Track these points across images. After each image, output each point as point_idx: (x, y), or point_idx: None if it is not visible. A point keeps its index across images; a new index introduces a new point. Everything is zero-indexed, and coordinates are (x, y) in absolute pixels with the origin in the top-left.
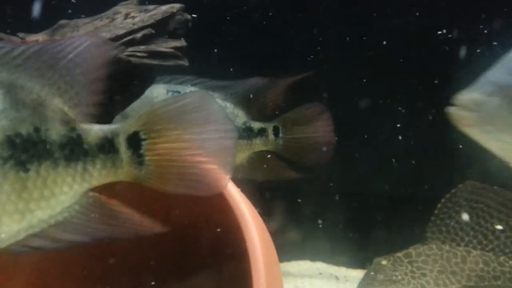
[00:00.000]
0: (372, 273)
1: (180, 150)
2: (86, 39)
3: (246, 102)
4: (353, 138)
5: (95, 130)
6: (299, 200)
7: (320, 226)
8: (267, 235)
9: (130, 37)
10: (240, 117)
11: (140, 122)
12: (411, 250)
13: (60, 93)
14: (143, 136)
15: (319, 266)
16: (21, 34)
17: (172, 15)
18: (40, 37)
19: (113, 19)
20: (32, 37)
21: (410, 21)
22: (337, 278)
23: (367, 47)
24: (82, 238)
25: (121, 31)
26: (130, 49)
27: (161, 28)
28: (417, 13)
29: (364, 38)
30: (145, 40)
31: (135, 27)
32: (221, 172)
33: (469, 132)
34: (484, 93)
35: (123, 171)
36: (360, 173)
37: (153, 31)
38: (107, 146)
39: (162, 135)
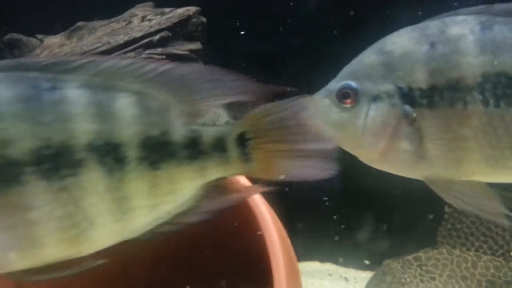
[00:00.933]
0: (380, 274)
1: (282, 147)
2: (207, 69)
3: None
4: None
5: (209, 131)
6: (307, 200)
7: (330, 227)
8: (288, 243)
9: (148, 39)
10: (223, 117)
11: (246, 123)
12: (421, 253)
13: (182, 101)
14: (249, 136)
15: (328, 267)
16: (39, 36)
17: (188, 18)
18: (58, 38)
19: (129, 22)
20: (50, 39)
21: None
22: (346, 279)
23: None
24: (199, 218)
25: (139, 34)
26: (147, 51)
27: (177, 31)
28: None
29: None
30: (162, 42)
31: (152, 29)
32: (320, 163)
33: None
34: (320, 95)
35: (233, 166)
36: (370, 174)
37: (170, 34)
38: (220, 145)
39: (265, 134)
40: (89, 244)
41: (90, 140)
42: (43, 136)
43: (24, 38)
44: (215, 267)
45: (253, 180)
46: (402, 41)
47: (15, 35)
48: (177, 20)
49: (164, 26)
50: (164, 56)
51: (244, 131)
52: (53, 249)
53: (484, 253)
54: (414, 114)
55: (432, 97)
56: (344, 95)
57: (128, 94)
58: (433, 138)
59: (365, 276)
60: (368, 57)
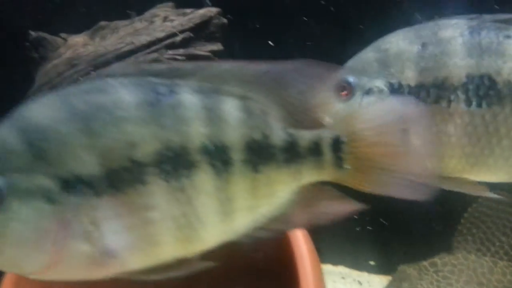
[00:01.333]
0: (397, 280)
1: (379, 154)
2: (304, 63)
3: None
4: None
5: (305, 135)
6: None
7: (343, 229)
8: (312, 246)
9: (170, 40)
10: None
11: (342, 127)
12: (436, 259)
13: (280, 105)
14: (343, 140)
15: (341, 270)
16: (63, 35)
17: (210, 19)
18: (82, 38)
19: (151, 22)
20: (73, 38)
21: None
22: (360, 283)
23: None
24: (290, 227)
25: (161, 34)
26: (170, 52)
27: (199, 32)
28: None
29: None
30: (184, 43)
31: (175, 30)
32: (422, 179)
33: None
34: None
35: (326, 172)
36: None
37: (192, 35)
38: (315, 149)
39: (361, 139)
40: (199, 244)
41: (203, 142)
42: (163, 139)
43: (49, 37)
44: (238, 273)
45: (344, 189)
46: (397, 41)
47: (40, 34)
48: (198, 21)
49: (186, 27)
50: (185, 57)
51: (339, 134)
52: (168, 248)
53: (501, 258)
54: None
55: (419, 94)
56: (341, 88)
57: (233, 98)
58: (417, 132)
59: (379, 280)
60: (367, 53)
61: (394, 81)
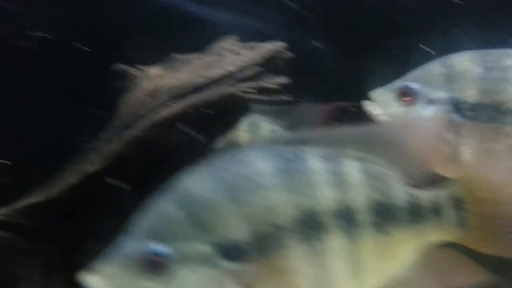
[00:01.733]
0: None
1: (504, 214)
2: (414, 124)
3: (293, 127)
4: None
5: (426, 195)
6: None
7: None
8: None
9: (241, 73)
10: (263, 127)
11: (461, 188)
12: None
13: (398, 165)
14: (464, 199)
15: None
16: (139, 66)
17: (278, 53)
18: (156, 69)
19: (221, 55)
20: (148, 70)
21: None
22: None
23: None
24: None
25: (233, 68)
26: (240, 85)
27: (266, 65)
28: None
29: None
30: (254, 76)
31: (245, 64)
32: None
33: None
34: (386, 89)
35: (447, 231)
36: None
37: (262, 69)
38: (436, 209)
39: (481, 201)
40: None
41: (332, 206)
42: (298, 204)
43: (128, 68)
44: None
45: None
46: (464, 60)
47: (119, 66)
48: (267, 55)
49: (256, 61)
50: (255, 90)
51: (459, 195)
52: None
53: None
54: (459, 122)
55: (475, 112)
56: (405, 93)
57: (354, 161)
58: (468, 145)
59: None
60: (434, 66)
61: (455, 95)
